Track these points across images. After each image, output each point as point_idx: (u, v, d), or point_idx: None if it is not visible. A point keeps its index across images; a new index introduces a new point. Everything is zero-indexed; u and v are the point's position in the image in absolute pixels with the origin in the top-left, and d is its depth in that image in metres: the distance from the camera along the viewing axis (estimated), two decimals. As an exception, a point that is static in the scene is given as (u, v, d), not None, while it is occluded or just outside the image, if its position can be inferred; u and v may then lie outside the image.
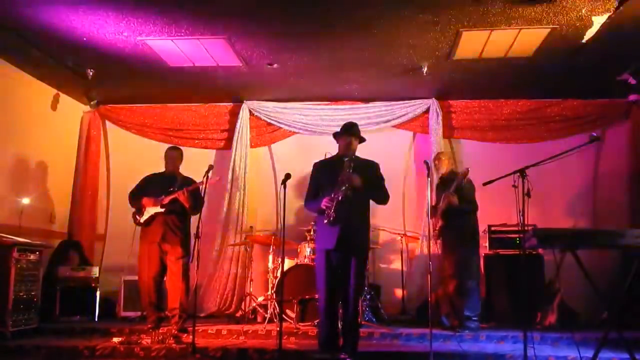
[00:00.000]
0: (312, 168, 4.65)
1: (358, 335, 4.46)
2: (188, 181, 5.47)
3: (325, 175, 4.48)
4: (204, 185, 5.13)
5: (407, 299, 6.65)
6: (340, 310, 4.44)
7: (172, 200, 5.31)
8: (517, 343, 5.07)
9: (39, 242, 5.91)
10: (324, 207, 4.25)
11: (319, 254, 4.48)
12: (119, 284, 6.56)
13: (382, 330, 5.52)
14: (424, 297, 6.25)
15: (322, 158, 4.99)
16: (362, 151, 4.60)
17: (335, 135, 4.59)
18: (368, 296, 6.01)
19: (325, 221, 4.25)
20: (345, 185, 4.24)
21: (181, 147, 5.94)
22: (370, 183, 4.39)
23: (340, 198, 4.22)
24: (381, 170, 4.58)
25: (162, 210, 5.35)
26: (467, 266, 5.53)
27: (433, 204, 5.82)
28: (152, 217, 5.39)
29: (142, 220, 5.43)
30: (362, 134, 4.57)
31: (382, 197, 4.53)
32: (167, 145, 6.15)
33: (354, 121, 4.67)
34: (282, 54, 5.81)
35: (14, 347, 4.99)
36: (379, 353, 4.89)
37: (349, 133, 4.47)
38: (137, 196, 5.50)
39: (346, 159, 4.32)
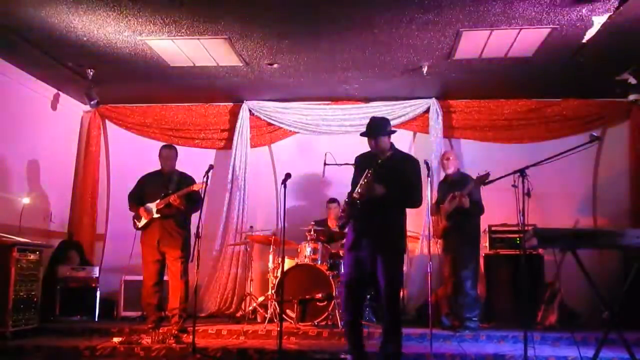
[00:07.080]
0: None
1: (399, 342, 4.11)
2: (185, 180, 5.44)
3: (359, 169, 4.27)
4: (203, 186, 5.09)
5: (407, 299, 6.63)
6: None
7: (167, 204, 5.31)
8: (518, 343, 5.06)
9: (39, 242, 5.91)
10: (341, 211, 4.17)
11: (344, 251, 4.46)
12: (119, 284, 6.56)
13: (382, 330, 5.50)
14: (424, 297, 6.24)
15: (363, 152, 4.47)
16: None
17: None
18: (368, 296, 6.00)
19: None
20: (360, 193, 4.02)
21: (177, 146, 5.88)
22: (394, 189, 4.05)
23: (348, 206, 4.08)
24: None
25: (158, 215, 5.35)
26: (468, 267, 5.52)
27: (434, 201, 5.80)
28: (150, 221, 5.39)
29: (140, 226, 5.45)
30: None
31: (409, 203, 4.19)
32: (166, 146, 6.13)
33: (380, 116, 4.44)
34: (282, 54, 5.80)
35: (14, 347, 4.99)
36: (379, 353, 4.87)
37: (368, 135, 4.24)
38: (135, 204, 5.49)
39: (368, 171, 4.05)
